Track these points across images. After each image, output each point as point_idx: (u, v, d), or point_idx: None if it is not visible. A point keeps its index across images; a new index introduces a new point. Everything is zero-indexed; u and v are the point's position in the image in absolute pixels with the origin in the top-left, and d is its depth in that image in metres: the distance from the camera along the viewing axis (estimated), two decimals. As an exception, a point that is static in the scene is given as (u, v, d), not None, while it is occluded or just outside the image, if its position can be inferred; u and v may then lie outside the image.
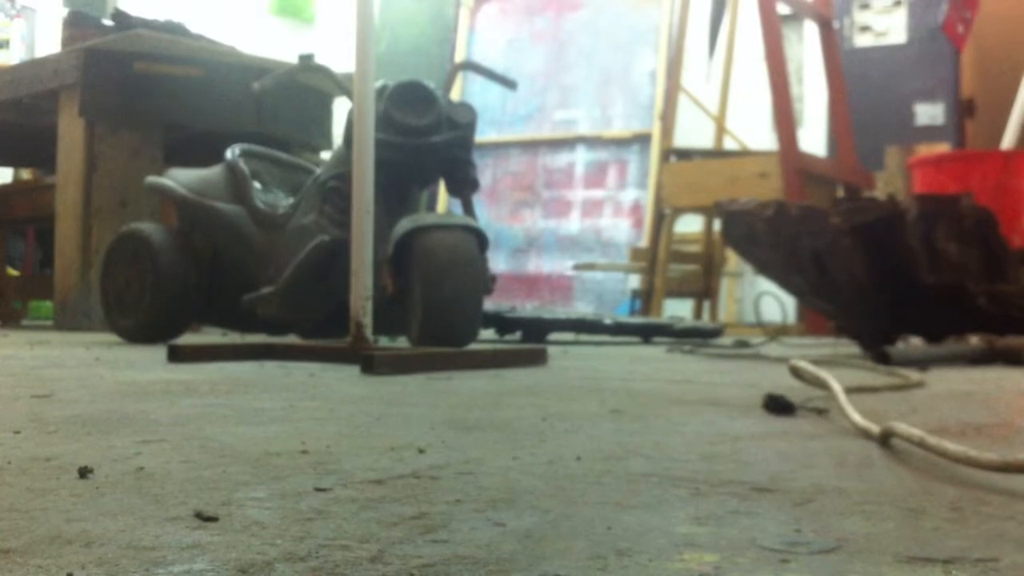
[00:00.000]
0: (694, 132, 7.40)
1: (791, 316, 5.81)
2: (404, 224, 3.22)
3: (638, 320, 5.51)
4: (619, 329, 4.88)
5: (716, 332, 5.13)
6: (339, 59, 4.52)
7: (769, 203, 3.70)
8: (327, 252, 3.49)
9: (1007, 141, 6.25)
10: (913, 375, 2.43)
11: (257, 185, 3.89)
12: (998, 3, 7.78)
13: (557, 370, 2.77)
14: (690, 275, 7.07)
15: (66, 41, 5.44)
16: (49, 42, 8.95)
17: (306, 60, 3.64)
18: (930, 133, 7.90)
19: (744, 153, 7.23)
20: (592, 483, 1.02)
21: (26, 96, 5.39)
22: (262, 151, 4.05)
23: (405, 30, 9.44)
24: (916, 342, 3.69)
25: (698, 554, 0.72)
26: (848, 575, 0.67)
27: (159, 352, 3.06)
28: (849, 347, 4.06)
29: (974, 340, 3.43)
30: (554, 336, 4.91)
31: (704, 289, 7.05)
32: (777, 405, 1.67)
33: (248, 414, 1.58)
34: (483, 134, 4.98)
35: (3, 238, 6.45)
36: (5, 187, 6.67)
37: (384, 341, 3.55)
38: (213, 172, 3.91)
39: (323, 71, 3.76)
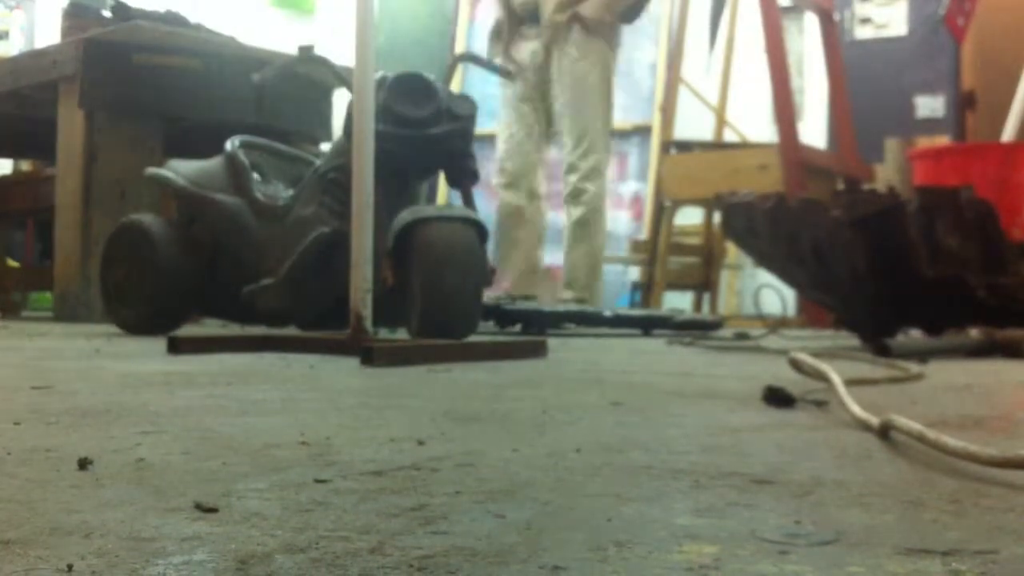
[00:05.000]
0: (694, 124, 7.39)
1: (791, 308, 5.80)
2: (404, 216, 3.22)
3: (638, 312, 5.50)
4: (619, 321, 4.88)
5: (716, 324, 5.13)
6: (339, 51, 4.51)
7: (769, 195, 3.70)
8: (327, 244, 3.49)
9: (1007, 134, 6.24)
10: (913, 367, 2.43)
11: (257, 177, 3.89)
12: (999, -5, 7.77)
13: (557, 362, 2.77)
14: (690, 267, 7.07)
15: (65, 32, 5.43)
16: (48, 33, 8.92)
17: (306, 52, 3.64)
18: (930, 126, 7.89)
19: (744, 145, 7.22)
20: (592, 475, 1.02)
21: (25, 87, 5.38)
22: (262, 143, 4.04)
23: (405, 22, 9.42)
24: (916, 334, 3.69)
25: (698, 546, 0.73)
26: (847, 567, 0.67)
27: (159, 344, 3.06)
28: (849, 339, 4.05)
29: (974, 332, 3.43)
30: (554, 328, 4.91)
31: (704, 281, 7.05)
32: (777, 397, 1.67)
33: (248, 405, 1.58)
34: (483, 126, 4.98)
35: (3, 229, 6.44)
36: (5, 178, 6.67)
37: (384, 333, 3.55)
38: (213, 164, 3.90)
39: (323, 63, 3.75)
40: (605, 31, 5.38)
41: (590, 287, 5.43)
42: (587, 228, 5.42)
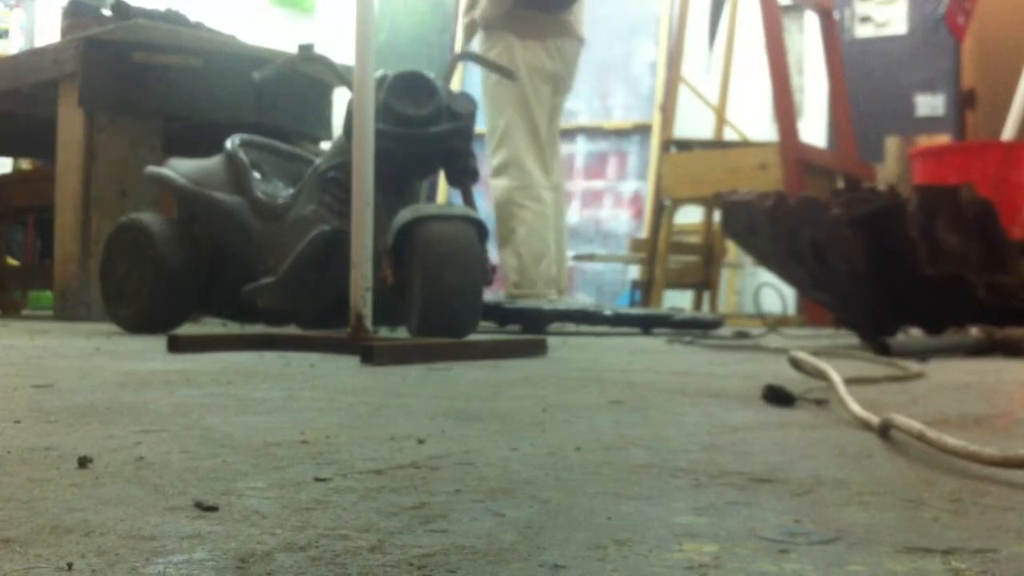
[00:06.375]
0: (694, 123, 7.39)
1: (791, 307, 5.81)
2: (404, 215, 3.22)
3: (638, 311, 5.50)
4: (619, 320, 4.88)
5: (716, 323, 5.14)
6: (339, 49, 4.51)
7: (769, 194, 3.70)
8: (327, 242, 3.49)
9: (1008, 132, 6.25)
10: (913, 366, 2.43)
11: (257, 175, 3.89)
12: (999, -6, 7.76)
13: (557, 361, 2.77)
14: (690, 266, 7.07)
15: (65, 31, 5.43)
16: (48, 32, 8.93)
17: (306, 50, 3.64)
18: (930, 124, 7.90)
19: (744, 144, 7.23)
20: (591, 473, 1.02)
21: (25, 86, 5.38)
22: (262, 141, 4.04)
23: (405, 20, 9.42)
24: (916, 333, 3.70)
25: (697, 544, 0.73)
26: (847, 565, 0.67)
27: (159, 342, 3.06)
28: (849, 338, 4.06)
29: (974, 331, 3.43)
30: (554, 327, 4.91)
31: (704, 280, 7.05)
32: (777, 396, 1.67)
33: (248, 404, 1.58)
34: (483, 124, 5.01)
35: (3, 228, 6.45)
36: (5, 177, 6.67)
37: (384, 332, 3.55)
38: (213, 162, 3.90)
39: (323, 61, 3.75)
40: (503, 23, 5.22)
41: (529, 283, 5.17)
42: (504, 228, 5.23)
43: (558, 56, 5.38)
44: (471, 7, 5.52)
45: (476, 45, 5.42)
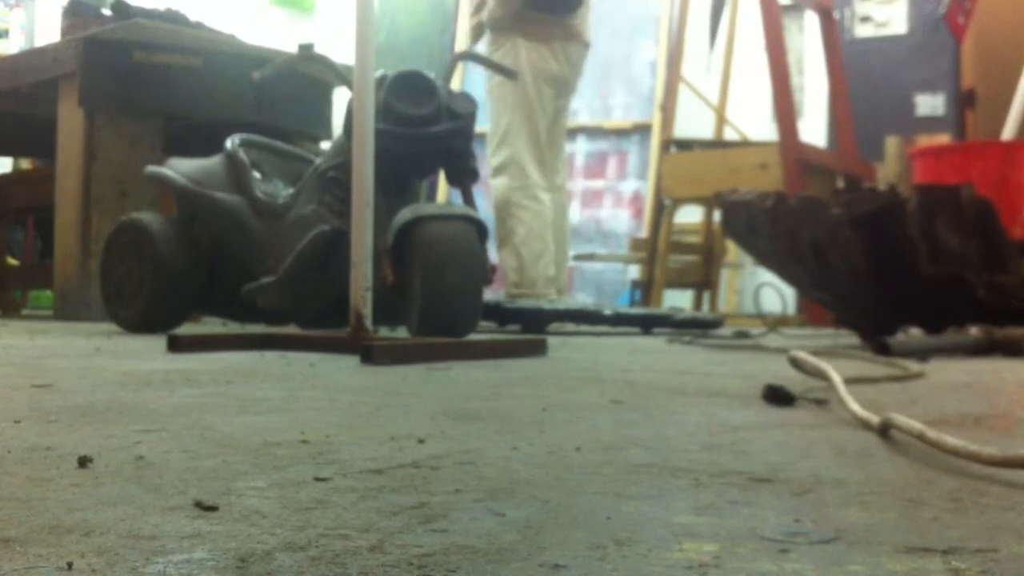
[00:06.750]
0: (694, 123, 7.39)
1: (791, 307, 5.81)
2: (404, 214, 3.22)
3: (638, 311, 5.50)
4: (619, 320, 4.88)
5: (716, 323, 5.13)
6: (339, 49, 4.51)
7: (769, 194, 3.70)
8: (327, 242, 3.49)
9: (1008, 132, 6.24)
10: (913, 366, 2.43)
11: (257, 175, 3.89)
12: (999, -6, 7.76)
13: (557, 360, 2.77)
14: (690, 266, 7.07)
15: (66, 30, 5.43)
16: (48, 31, 8.93)
17: (306, 50, 3.64)
18: (930, 124, 7.89)
19: (744, 144, 7.22)
20: (592, 473, 1.02)
21: (25, 85, 5.38)
22: (262, 141, 4.04)
23: (405, 20, 9.42)
24: (916, 333, 3.69)
25: (697, 544, 0.73)
26: (847, 565, 0.67)
27: (159, 342, 3.06)
28: (849, 338, 4.05)
29: (974, 331, 3.43)
30: (553, 327, 4.91)
31: (704, 280, 7.05)
32: (777, 396, 1.67)
33: (248, 404, 1.58)
34: (483, 124, 5.02)
35: (3, 228, 6.44)
36: (5, 177, 6.67)
37: (384, 331, 3.55)
38: (213, 162, 3.90)
39: (323, 61, 3.75)
40: (511, 25, 5.27)
41: (529, 283, 5.22)
42: (503, 228, 5.28)
43: (564, 60, 5.42)
44: (478, 9, 5.56)
45: (483, 46, 5.45)
